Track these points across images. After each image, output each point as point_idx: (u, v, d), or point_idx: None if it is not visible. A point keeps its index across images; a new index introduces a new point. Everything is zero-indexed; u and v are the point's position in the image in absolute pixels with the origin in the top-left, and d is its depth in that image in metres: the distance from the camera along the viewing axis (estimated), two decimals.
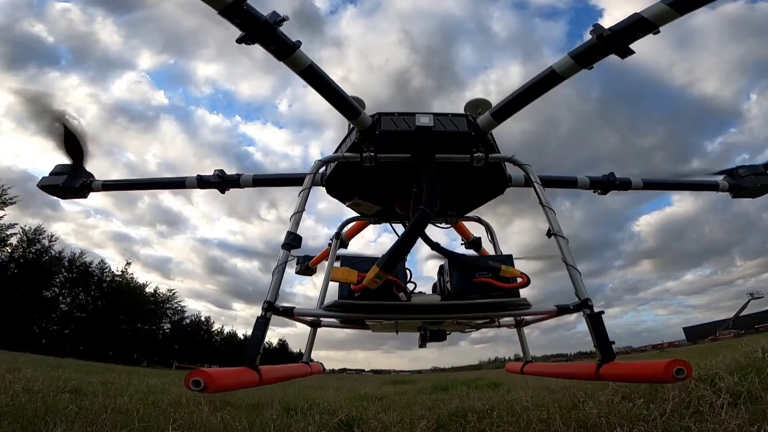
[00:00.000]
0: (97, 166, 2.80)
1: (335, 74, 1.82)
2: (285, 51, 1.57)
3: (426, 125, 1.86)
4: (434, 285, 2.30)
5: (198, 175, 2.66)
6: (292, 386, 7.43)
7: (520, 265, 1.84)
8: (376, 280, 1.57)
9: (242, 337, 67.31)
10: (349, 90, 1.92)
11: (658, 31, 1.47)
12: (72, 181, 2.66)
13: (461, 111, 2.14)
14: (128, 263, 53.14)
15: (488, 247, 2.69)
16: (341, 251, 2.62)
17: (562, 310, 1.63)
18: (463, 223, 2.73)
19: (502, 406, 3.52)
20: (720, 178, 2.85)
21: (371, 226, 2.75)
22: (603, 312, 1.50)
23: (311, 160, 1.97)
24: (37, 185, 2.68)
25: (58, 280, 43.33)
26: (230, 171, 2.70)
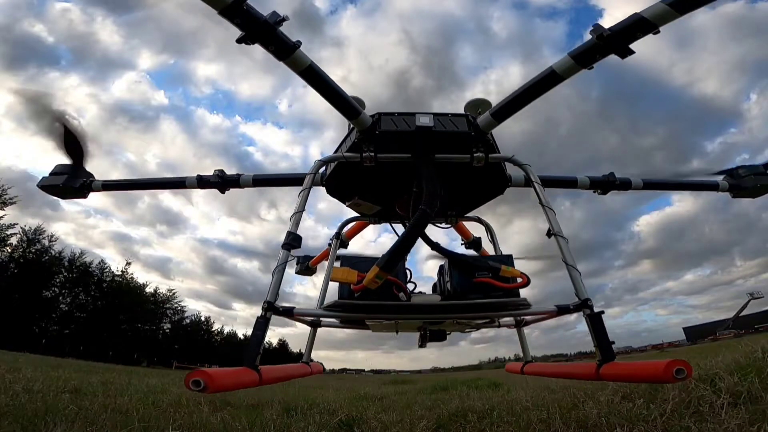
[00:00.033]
0: (97, 167, 2.81)
1: (335, 74, 1.82)
2: (285, 51, 1.57)
3: (426, 125, 1.86)
4: (434, 285, 2.30)
5: (198, 175, 2.66)
6: (292, 386, 7.43)
7: (520, 265, 1.84)
8: (376, 280, 1.57)
9: (242, 337, 67.32)
10: (348, 90, 1.92)
11: (658, 31, 1.47)
12: (72, 181, 2.66)
13: (461, 111, 2.14)
14: (128, 263, 53.25)
15: (488, 247, 2.69)
16: (341, 251, 2.62)
17: (562, 310, 1.63)
18: (463, 223, 2.72)
19: (502, 406, 3.52)
20: (720, 178, 2.85)
21: (371, 226, 2.75)
22: (603, 312, 1.50)
23: (311, 160, 1.97)
24: (37, 185, 2.68)
25: (58, 280, 43.34)
26: (230, 171, 2.71)
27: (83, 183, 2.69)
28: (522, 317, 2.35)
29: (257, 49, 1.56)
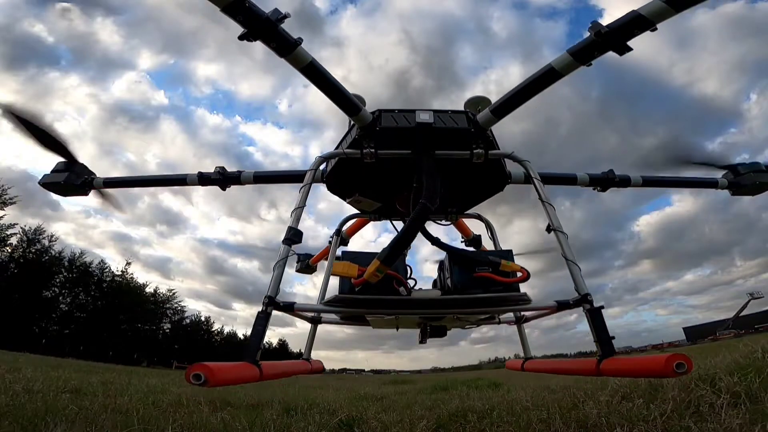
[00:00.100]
0: (98, 167, 2.82)
1: (335, 74, 1.82)
2: (286, 48, 1.58)
3: (426, 121, 1.87)
4: (434, 281, 2.30)
5: (199, 172, 2.67)
6: (292, 386, 7.43)
7: (520, 262, 1.84)
8: (376, 273, 1.58)
9: (242, 337, 67.26)
10: (348, 90, 1.92)
11: (656, 29, 1.48)
12: (73, 179, 2.66)
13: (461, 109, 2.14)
14: (128, 263, 53.27)
15: (488, 245, 2.69)
16: (342, 249, 2.63)
17: (562, 305, 1.64)
18: (464, 220, 2.73)
19: (502, 406, 3.52)
20: (719, 175, 2.85)
21: (371, 226, 2.75)
22: (603, 307, 1.50)
23: (311, 160, 1.97)
24: (39, 183, 2.69)
25: (58, 280, 43.33)
26: (230, 170, 2.71)
27: (85, 180, 2.70)
28: (522, 313, 2.35)
29: (257, 49, 1.56)
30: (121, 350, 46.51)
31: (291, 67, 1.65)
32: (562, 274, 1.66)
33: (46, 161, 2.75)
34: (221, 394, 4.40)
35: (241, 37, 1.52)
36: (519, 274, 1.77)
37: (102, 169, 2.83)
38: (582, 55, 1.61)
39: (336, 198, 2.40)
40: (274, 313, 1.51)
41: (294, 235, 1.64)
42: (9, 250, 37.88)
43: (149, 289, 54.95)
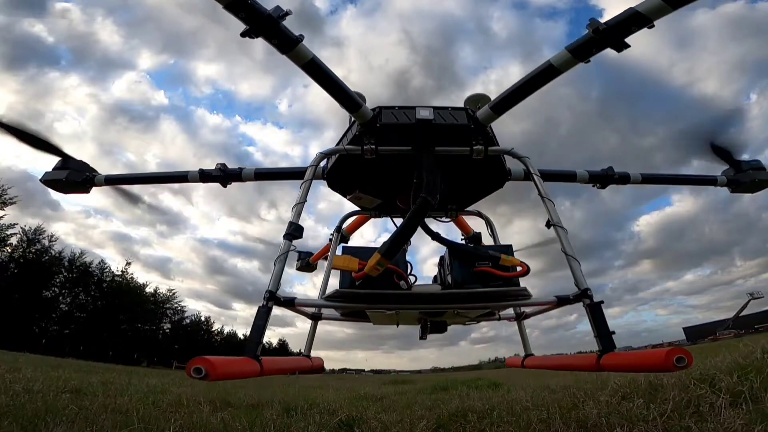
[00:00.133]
0: (97, 167, 2.82)
1: (335, 74, 1.83)
2: (288, 44, 1.59)
3: (426, 118, 1.88)
4: (434, 278, 2.31)
5: (200, 170, 2.68)
6: (292, 386, 7.44)
7: (520, 258, 1.85)
8: (377, 267, 1.59)
9: (242, 337, 67.25)
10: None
11: (653, 25, 1.48)
12: (75, 176, 2.67)
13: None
14: (128, 263, 53.32)
15: (488, 242, 2.69)
16: (342, 246, 2.63)
17: (562, 300, 1.64)
18: (464, 218, 2.73)
19: (502, 406, 3.52)
20: (719, 173, 2.86)
21: (372, 224, 2.75)
22: (602, 302, 1.50)
23: (311, 160, 1.98)
24: (40, 180, 2.69)
25: (58, 280, 43.35)
26: (231, 167, 2.71)
27: (86, 177, 2.70)
28: (522, 310, 2.36)
29: (257, 49, 1.59)
30: (121, 350, 46.51)
31: (291, 67, 1.66)
32: (561, 274, 1.67)
33: (46, 161, 2.75)
34: (221, 394, 4.40)
35: (243, 34, 1.53)
36: (519, 269, 1.77)
37: (102, 169, 2.83)
38: (580, 52, 1.61)
39: (336, 197, 2.41)
40: (274, 312, 1.52)
41: (295, 230, 1.65)
42: (9, 250, 37.94)
43: (149, 289, 55.08)
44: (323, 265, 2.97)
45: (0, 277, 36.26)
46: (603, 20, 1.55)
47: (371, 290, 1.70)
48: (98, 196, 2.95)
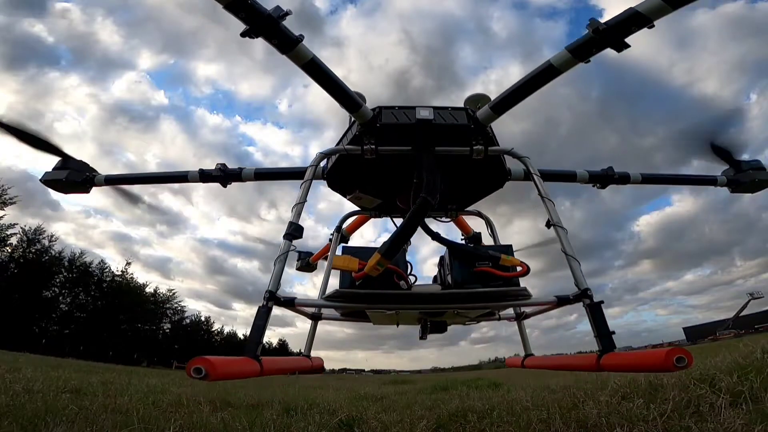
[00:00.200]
0: (97, 167, 2.82)
1: (335, 74, 1.83)
2: (288, 44, 1.59)
3: (426, 118, 1.88)
4: (434, 278, 2.31)
5: (200, 170, 2.69)
6: (292, 386, 7.43)
7: (520, 258, 1.85)
8: (377, 267, 1.59)
9: (242, 337, 67.25)
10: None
11: (653, 25, 1.48)
12: (75, 176, 2.67)
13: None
14: (128, 263, 53.32)
15: (488, 242, 2.69)
16: (342, 246, 2.64)
17: (562, 300, 1.64)
18: (464, 218, 2.74)
19: (502, 406, 3.52)
20: (719, 172, 2.86)
21: (372, 224, 2.75)
22: (602, 302, 1.50)
23: (311, 160, 1.98)
24: (40, 180, 2.69)
25: (58, 280, 43.35)
26: (231, 167, 2.72)
27: (86, 177, 2.70)
28: (522, 310, 2.36)
29: (257, 49, 1.59)
30: (121, 350, 46.51)
31: (291, 67, 1.66)
32: (561, 274, 1.67)
33: (46, 161, 2.75)
34: (221, 395, 4.40)
35: (243, 34, 1.53)
36: (519, 269, 1.77)
37: (102, 170, 2.83)
38: (580, 51, 1.61)
39: (336, 197, 2.41)
40: (274, 312, 1.52)
41: (295, 230, 1.66)
42: (9, 250, 37.95)
43: (149, 289, 55.09)
44: (323, 265, 2.97)
45: (0, 277, 36.26)
46: (603, 20, 1.55)
47: (371, 290, 1.70)
48: (98, 196, 2.95)
